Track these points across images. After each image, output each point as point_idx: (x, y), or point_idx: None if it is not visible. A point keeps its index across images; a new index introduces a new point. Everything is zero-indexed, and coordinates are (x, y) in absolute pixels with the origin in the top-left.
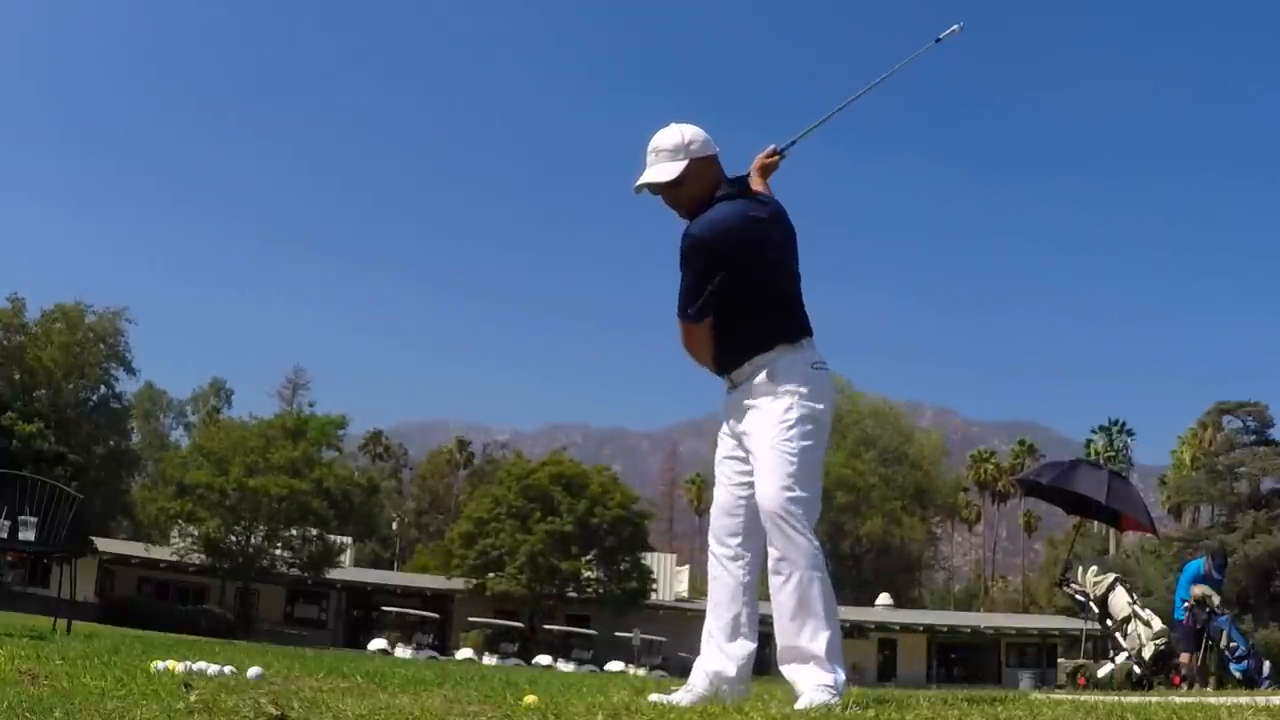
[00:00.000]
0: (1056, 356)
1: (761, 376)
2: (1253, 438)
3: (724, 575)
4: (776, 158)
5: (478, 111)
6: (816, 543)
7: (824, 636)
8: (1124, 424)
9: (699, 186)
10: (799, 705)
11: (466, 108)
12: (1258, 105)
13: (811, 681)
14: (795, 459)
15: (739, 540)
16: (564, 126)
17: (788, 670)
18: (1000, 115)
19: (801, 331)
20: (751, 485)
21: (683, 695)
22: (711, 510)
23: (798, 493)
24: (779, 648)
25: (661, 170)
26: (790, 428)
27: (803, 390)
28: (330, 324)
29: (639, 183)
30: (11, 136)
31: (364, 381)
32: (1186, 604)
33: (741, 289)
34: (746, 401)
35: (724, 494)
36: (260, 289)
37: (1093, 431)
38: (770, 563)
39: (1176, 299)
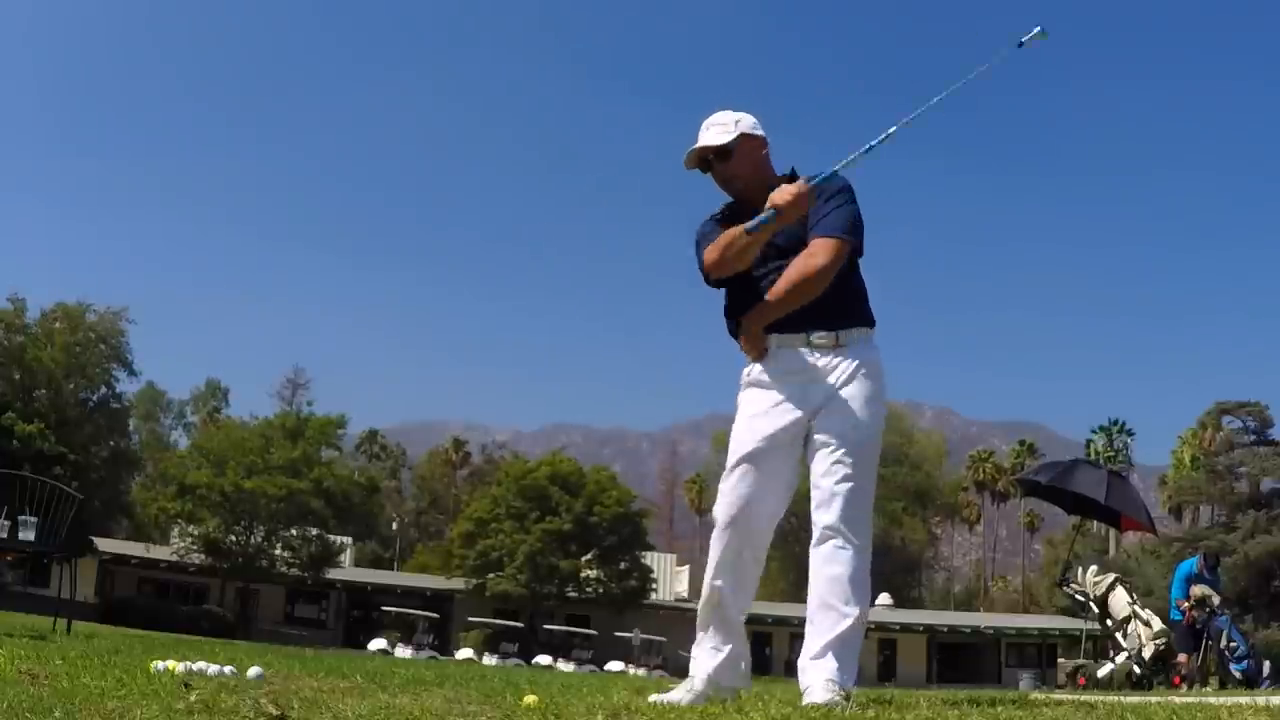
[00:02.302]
0: (1056, 356)
1: (875, 354)
2: (1253, 438)
3: (749, 572)
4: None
5: (479, 110)
6: (868, 544)
7: (853, 631)
8: (1124, 424)
9: (749, 161)
10: (805, 700)
11: (465, 105)
12: (1258, 104)
13: (821, 677)
14: (874, 456)
15: (769, 535)
16: (566, 126)
17: (810, 662)
18: (1000, 114)
19: None
20: (797, 476)
21: (682, 694)
22: (746, 495)
23: (873, 490)
24: (812, 633)
25: (713, 137)
26: (878, 422)
27: (885, 389)
28: (330, 324)
29: (690, 149)
30: (12, 136)
31: (364, 381)
32: (1182, 604)
33: (861, 254)
34: (851, 370)
35: (774, 477)
36: (260, 289)
37: (1093, 431)
38: (830, 545)
39: (1176, 299)
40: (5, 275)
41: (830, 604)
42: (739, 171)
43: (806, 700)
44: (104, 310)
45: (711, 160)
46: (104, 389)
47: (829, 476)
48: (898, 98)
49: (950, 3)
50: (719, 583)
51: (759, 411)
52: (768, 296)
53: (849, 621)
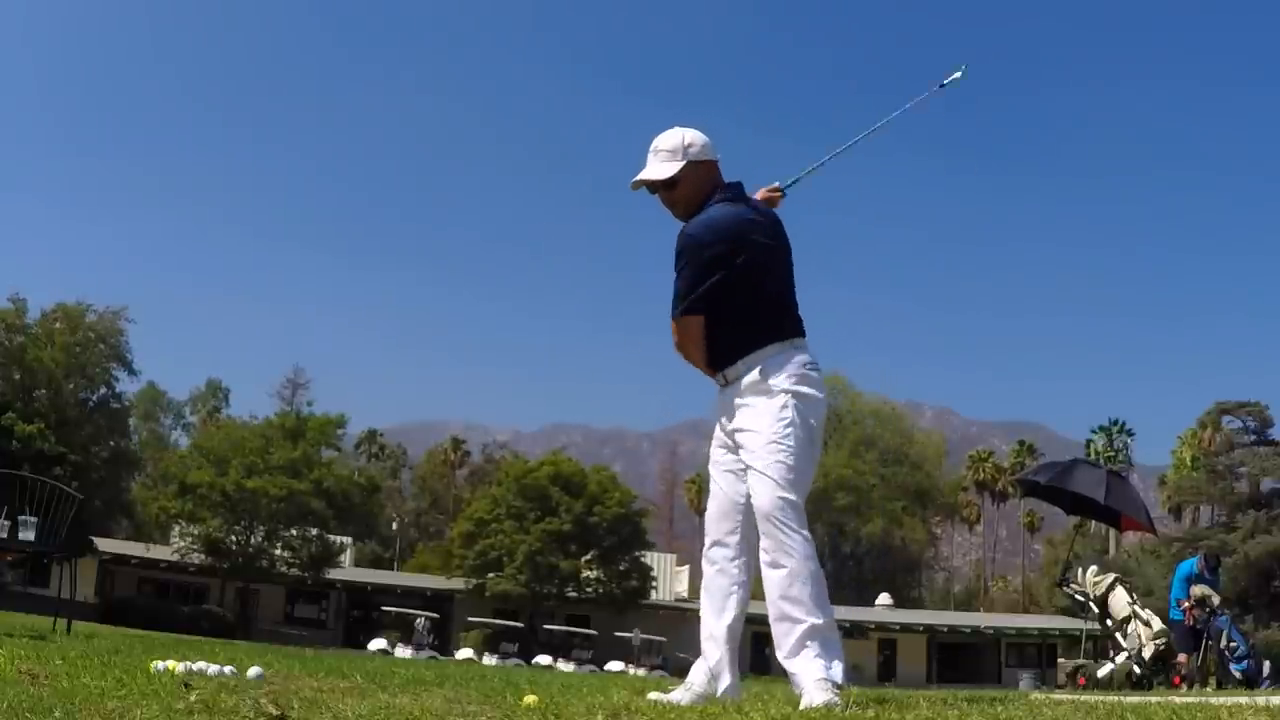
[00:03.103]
0: (1056, 356)
1: (755, 373)
2: (1253, 438)
3: (723, 576)
4: (779, 194)
5: (477, 110)
6: (809, 537)
7: (820, 631)
8: (1124, 424)
9: (693, 189)
10: (803, 705)
11: (465, 106)
12: (1258, 104)
13: (811, 678)
14: (790, 458)
15: (737, 539)
16: (564, 126)
17: (789, 664)
18: (1000, 114)
19: (794, 331)
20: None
21: (682, 694)
22: (707, 513)
23: (790, 495)
24: (777, 643)
25: (657, 169)
26: (786, 426)
27: (797, 389)
28: (330, 324)
29: (635, 179)
30: (12, 136)
31: (364, 381)
32: (1183, 604)
33: (737, 288)
34: (738, 400)
35: (721, 495)
36: (260, 289)
37: (1093, 431)
38: (764, 560)
39: (1177, 299)
40: (5, 275)
41: (787, 615)
42: (682, 201)
43: (804, 704)
44: (103, 310)
45: (657, 188)
46: (104, 389)
47: (751, 493)
48: (889, 96)
49: (941, 3)
50: (702, 596)
51: (714, 437)
52: None
53: (807, 625)
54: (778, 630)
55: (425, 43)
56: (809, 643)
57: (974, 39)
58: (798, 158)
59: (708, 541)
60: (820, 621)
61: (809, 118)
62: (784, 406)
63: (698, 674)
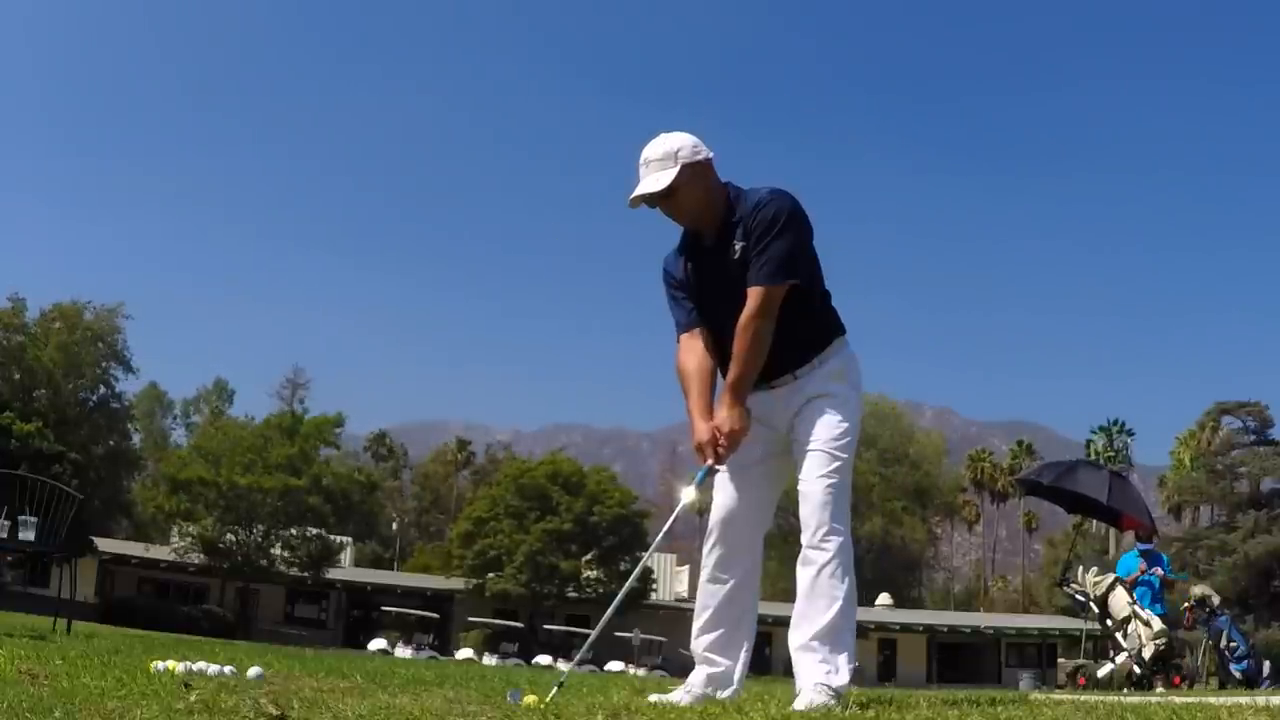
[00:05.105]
0: (1056, 356)
1: (834, 363)
2: (1253, 438)
3: (738, 582)
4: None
5: (476, 110)
6: (849, 537)
7: (838, 631)
8: (1124, 424)
9: (695, 191)
10: (797, 705)
11: (465, 106)
12: (1258, 104)
13: (811, 679)
14: (846, 454)
15: (759, 545)
16: (564, 126)
17: (798, 657)
18: (1000, 113)
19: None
20: (776, 490)
21: (682, 695)
22: (726, 515)
23: (842, 489)
24: (795, 635)
25: (652, 181)
26: (847, 423)
27: (860, 388)
28: (331, 324)
29: (631, 196)
30: (12, 136)
31: (365, 381)
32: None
33: (817, 269)
34: (810, 389)
35: (751, 497)
36: (261, 289)
37: (1093, 431)
38: (806, 550)
39: (1176, 299)
40: (5, 275)
41: (820, 605)
42: (685, 206)
43: (797, 704)
44: (100, 307)
45: (655, 201)
46: (103, 388)
47: (803, 476)
48: (887, 96)
49: (941, 2)
50: (719, 606)
51: (758, 452)
52: (730, 375)
53: (832, 618)
54: (802, 626)
55: (425, 44)
56: (825, 645)
57: (973, 38)
58: (792, 159)
59: (721, 548)
60: (843, 627)
61: (807, 118)
62: (851, 405)
63: (698, 675)
